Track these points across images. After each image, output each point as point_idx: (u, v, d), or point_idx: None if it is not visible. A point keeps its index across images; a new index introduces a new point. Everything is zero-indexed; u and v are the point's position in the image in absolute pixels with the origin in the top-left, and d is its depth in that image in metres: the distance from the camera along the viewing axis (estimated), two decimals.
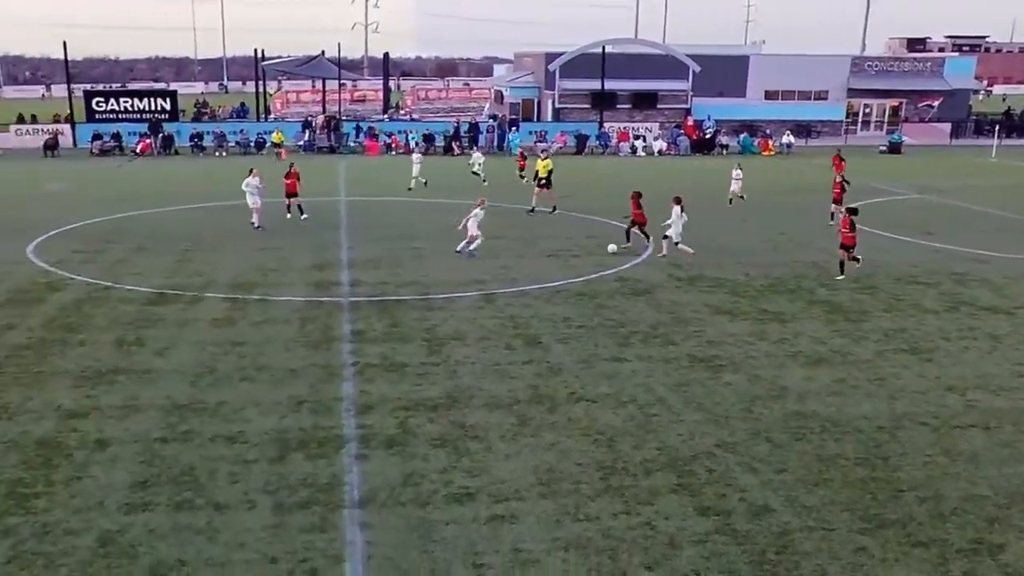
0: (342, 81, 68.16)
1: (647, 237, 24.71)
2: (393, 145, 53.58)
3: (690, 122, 59.95)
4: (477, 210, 24.09)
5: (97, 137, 51.77)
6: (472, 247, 23.87)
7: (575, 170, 46.13)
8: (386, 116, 66.27)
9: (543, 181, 31.52)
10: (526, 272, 22.26)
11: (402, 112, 74.64)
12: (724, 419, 13.23)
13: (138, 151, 50.66)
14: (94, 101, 55.74)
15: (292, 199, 29.17)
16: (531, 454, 11.96)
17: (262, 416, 13.07)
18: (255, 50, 70.01)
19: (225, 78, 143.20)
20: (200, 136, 53.21)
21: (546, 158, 32.72)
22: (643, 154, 55.00)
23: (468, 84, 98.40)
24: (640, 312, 18.89)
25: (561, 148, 54.55)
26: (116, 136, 52.10)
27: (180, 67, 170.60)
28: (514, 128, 56.18)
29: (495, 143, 54.41)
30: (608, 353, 16.19)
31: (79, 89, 63.34)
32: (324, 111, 62.31)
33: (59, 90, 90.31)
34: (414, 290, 20.45)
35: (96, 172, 43.89)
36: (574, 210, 30.96)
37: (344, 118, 60.02)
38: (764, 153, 55.93)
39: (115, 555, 9.42)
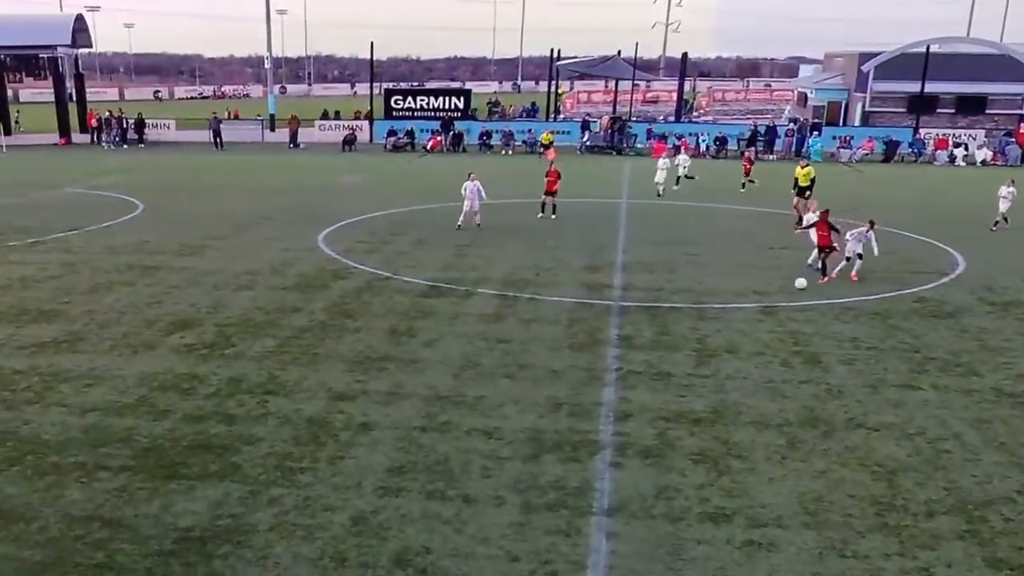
0: (635, 81, 67.91)
1: (826, 259, 21.49)
2: (683, 148, 52.70)
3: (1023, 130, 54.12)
4: (811, 215, 22.43)
5: (392, 133, 54.66)
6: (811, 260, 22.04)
7: (883, 179, 43.11)
8: (662, 117, 65.35)
9: (802, 190, 29.20)
10: (813, 286, 20.78)
11: (695, 114, 73.50)
12: None
13: (428, 148, 52.54)
14: (393, 99, 58.95)
15: (549, 197, 29.71)
16: (798, 480, 10.99)
17: (520, 414, 12.98)
18: (551, 50, 71.29)
19: (519, 77, 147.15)
20: (488, 134, 54.74)
21: (806, 166, 30.30)
22: (963, 164, 50.34)
23: (769, 85, 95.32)
24: (940, 337, 17.02)
25: (867, 155, 51.22)
26: (409, 133, 54.69)
27: (476, 67, 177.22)
28: (815, 132, 53.21)
29: (793, 148, 51.96)
30: (898, 379, 14.66)
31: (381, 88, 67.74)
32: (614, 111, 62.46)
33: (363, 88, 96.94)
34: (687, 298, 19.71)
35: (388, 167, 46.34)
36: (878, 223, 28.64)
37: (633, 119, 59.81)
38: None
39: (366, 535, 9.63)
